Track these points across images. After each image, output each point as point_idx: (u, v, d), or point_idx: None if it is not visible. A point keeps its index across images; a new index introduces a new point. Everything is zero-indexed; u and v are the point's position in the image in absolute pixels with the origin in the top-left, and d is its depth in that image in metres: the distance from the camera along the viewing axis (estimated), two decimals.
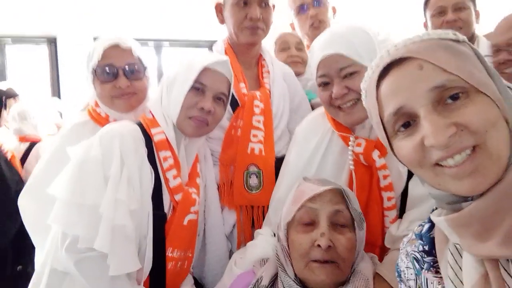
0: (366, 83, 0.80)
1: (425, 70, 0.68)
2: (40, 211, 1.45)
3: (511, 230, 0.63)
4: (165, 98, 1.42)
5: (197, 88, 1.38)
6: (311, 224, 1.16)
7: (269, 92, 1.79)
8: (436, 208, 0.79)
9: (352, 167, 1.36)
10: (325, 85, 1.34)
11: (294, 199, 1.22)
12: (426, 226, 0.84)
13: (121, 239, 1.21)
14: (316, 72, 1.36)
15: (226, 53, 1.76)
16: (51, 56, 4.96)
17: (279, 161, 1.64)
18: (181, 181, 1.38)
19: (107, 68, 1.55)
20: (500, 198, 0.64)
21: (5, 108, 3.18)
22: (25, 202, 1.56)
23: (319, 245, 1.11)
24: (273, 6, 1.78)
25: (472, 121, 0.64)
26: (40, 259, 1.37)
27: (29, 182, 1.59)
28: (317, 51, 1.35)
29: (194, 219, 1.41)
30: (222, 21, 1.83)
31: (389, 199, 1.33)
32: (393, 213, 1.33)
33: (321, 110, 1.50)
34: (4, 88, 3.25)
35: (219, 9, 1.82)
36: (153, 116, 1.41)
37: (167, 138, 1.38)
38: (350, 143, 1.36)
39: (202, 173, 1.57)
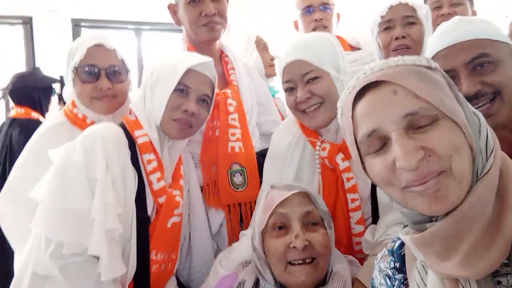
0: (342, 102, 0.83)
1: (399, 95, 0.71)
2: (18, 215, 1.44)
3: (469, 252, 0.67)
4: (148, 99, 1.40)
5: (181, 90, 1.37)
6: (284, 228, 1.21)
7: (237, 88, 1.81)
8: (406, 225, 0.83)
9: (319, 170, 1.43)
10: (290, 90, 1.41)
11: (264, 207, 1.25)
12: (398, 242, 0.88)
13: (111, 243, 1.21)
14: (281, 78, 1.43)
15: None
16: (27, 37, 4.81)
17: (258, 156, 1.69)
18: (164, 184, 1.38)
19: (89, 68, 1.52)
20: (459, 221, 0.68)
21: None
22: (1, 206, 1.53)
23: (295, 247, 1.15)
24: None
25: (438, 146, 0.68)
26: (19, 262, 1.35)
27: (6, 185, 1.55)
28: (282, 58, 1.42)
29: (178, 222, 1.42)
30: (178, 22, 1.80)
31: (352, 200, 1.38)
32: (358, 214, 1.39)
33: (292, 116, 1.55)
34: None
35: (172, 10, 1.80)
36: (136, 117, 1.40)
37: (150, 141, 1.37)
38: (316, 147, 1.42)
39: (185, 176, 1.57)
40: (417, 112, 0.69)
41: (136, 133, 1.36)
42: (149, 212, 1.36)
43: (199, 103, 1.40)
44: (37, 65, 4.76)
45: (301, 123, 1.47)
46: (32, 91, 2.88)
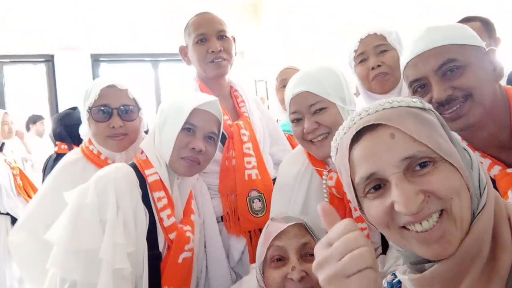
0: (337, 142, 0.84)
1: (396, 139, 0.72)
2: (32, 247, 1.50)
3: None
4: (157, 139, 1.46)
5: (188, 128, 1.42)
6: (282, 260, 1.23)
7: (249, 119, 1.88)
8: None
9: (326, 200, 1.44)
10: (297, 121, 1.44)
11: (263, 240, 1.28)
12: (398, 277, 0.87)
13: (120, 282, 1.25)
14: (288, 109, 1.46)
15: (201, 90, 1.82)
16: (49, 74, 5.00)
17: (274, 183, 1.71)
18: (175, 220, 1.42)
19: (102, 108, 1.60)
20: (459, 262, 0.69)
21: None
22: (17, 239, 1.60)
23: (291, 279, 1.18)
24: (233, 37, 1.88)
25: (439, 189, 0.69)
26: None
27: (22, 218, 1.64)
28: (288, 89, 1.46)
29: (189, 257, 1.44)
30: (188, 62, 1.92)
31: (361, 230, 1.36)
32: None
33: (300, 146, 1.58)
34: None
35: (183, 52, 1.92)
36: (146, 157, 1.45)
37: (160, 179, 1.42)
38: (323, 177, 1.44)
39: (199, 209, 1.62)
40: (415, 155, 0.70)
41: (147, 172, 1.41)
42: (161, 248, 1.40)
43: (206, 141, 1.45)
44: (59, 100, 4.94)
45: (309, 152, 1.50)
46: (72, 129, 3.04)
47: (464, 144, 0.80)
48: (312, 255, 1.21)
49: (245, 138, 1.77)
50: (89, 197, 1.30)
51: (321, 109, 1.38)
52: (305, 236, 1.24)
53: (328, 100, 1.38)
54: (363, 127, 0.76)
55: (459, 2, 3.75)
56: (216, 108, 1.48)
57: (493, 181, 1.14)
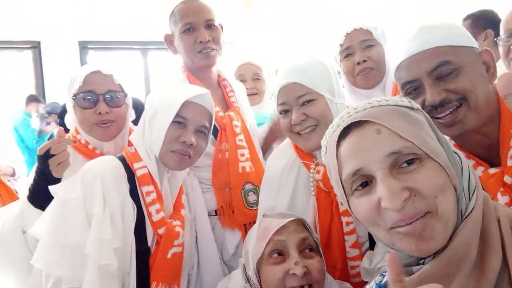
0: (326, 141, 0.84)
1: (382, 135, 0.72)
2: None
3: None
4: (147, 132, 1.42)
5: (179, 122, 1.39)
6: (282, 255, 1.21)
7: (239, 109, 1.85)
8: None
9: (313, 193, 1.43)
10: (285, 112, 1.42)
11: (259, 236, 1.26)
12: (385, 278, 0.86)
13: (108, 277, 1.23)
14: (276, 100, 1.44)
15: (189, 81, 1.78)
16: (35, 61, 4.90)
17: None
18: (164, 215, 1.39)
19: (87, 94, 1.54)
20: (446, 264, 0.68)
21: None
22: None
23: (294, 274, 1.16)
24: (221, 26, 1.83)
25: (424, 187, 0.69)
26: None
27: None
28: (277, 81, 1.43)
29: (179, 252, 1.42)
30: (175, 51, 1.86)
31: (347, 223, 1.38)
32: (353, 238, 1.38)
33: (288, 140, 1.56)
34: None
35: (169, 40, 1.86)
36: (135, 150, 1.42)
37: (149, 173, 1.38)
38: (311, 170, 1.43)
39: (190, 205, 1.59)
40: (401, 151, 0.70)
41: (135, 165, 1.38)
42: (149, 243, 1.37)
43: (197, 134, 1.42)
44: (45, 87, 4.85)
45: (296, 145, 1.48)
46: None
47: (454, 148, 0.80)
48: (311, 250, 1.22)
49: (237, 130, 1.75)
50: (75, 191, 1.27)
51: (309, 101, 1.36)
52: (304, 232, 1.24)
53: (317, 92, 1.36)
54: (351, 125, 0.76)
55: (459, 2, 3.74)
56: (207, 101, 1.45)
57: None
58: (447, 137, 1.25)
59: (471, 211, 0.71)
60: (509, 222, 0.72)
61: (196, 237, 1.64)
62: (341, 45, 1.74)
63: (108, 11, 4.94)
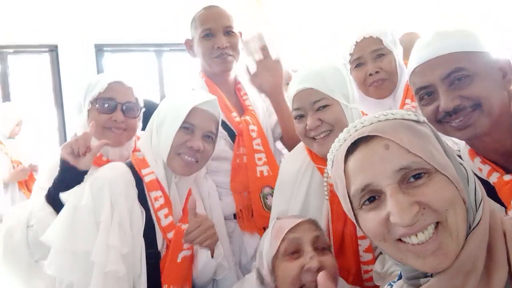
0: (333, 155, 0.84)
1: (391, 150, 0.72)
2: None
3: None
4: (155, 138, 1.45)
5: (186, 127, 1.41)
6: (297, 252, 1.23)
7: (254, 112, 1.86)
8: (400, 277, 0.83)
9: (327, 197, 1.43)
10: (300, 117, 1.43)
11: (274, 235, 1.28)
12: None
13: (114, 283, 1.26)
14: (291, 105, 1.45)
15: (207, 85, 1.81)
16: (53, 64, 4.99)
17: None
18: (172, 220, 1.41)
19: (108, 101, 1.59)
20: (453, 277, 0.68)
21: None
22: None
23: (308, 269, 1.17)
24: (240, 33, 1.86)
25: (434, 201, 0.68)
26: None
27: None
28: (292, 85, 1.44)
29: (189, 255, 1.43)
30: (193, 55, 1.89)
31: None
32: (366, 242, 1.39)
33: (302, 143, 1.56)
34: None
35: (188, 45, 1.90)
36: (143, 155, 1.45)
37: (157, 178, 1.41)
38: (324, 174, 1.43)
39: (206, 210, 1.62)
40: (409, 166, 0.70)
41: (143, 172, 1.41)
42: (159, 247, 1.40)
43: (204, 140, 1.44)
44: (63, 90, 4.94)
45: (310, 150, 1.48)
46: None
47: (460, 160, 0.79)
48: (324, 248, 1.24)
49: (254, 134, 1.77)
50: (85, 199, 1.30)
51: (324, 106, 1.37)
52: (317, 230, 1.27)
53: (332, 98, 1.37)
54: (359, 139, 0.76)
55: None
56: (214, 107, 1.47)
57: (494, 188, 1.13)
58: (461, 143, 1.24)
59: (478, 223, 0.70)
60: None
61: None
62: (351, 54, 1.72)
63: (123, 14, 4.99)
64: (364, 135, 0.75)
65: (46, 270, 1.28)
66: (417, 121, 0.78)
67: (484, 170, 1.16)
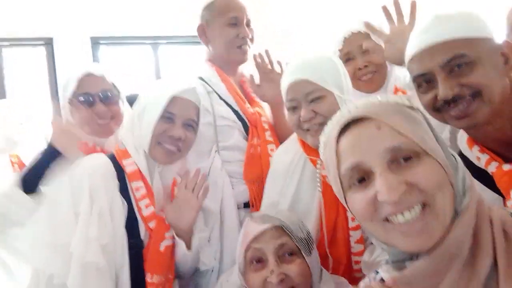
0: (325, 137, 0.84)
1: (382, 130, 0.73)
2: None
3: None
4: (136, 127, 1.45)
5: (167, 117, 1.40)
6: (261, 262, 1.22)
7: (262, 106, 1.89)
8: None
9: (319, 189, 1.42)
10: (293, 109, 1.41)
11: (242, 241, 1.27)
12: (379, 276, 0.86)
13: (94, 274, 1.26)
14: (285, 96, 1.43)
15: (218, 75, 1.80)
16: (48, 58, 4.98)
17: None
18: (154, 210, 1.41)
19: (83, 97, 1.57)
20: (438, 261, 0.69)
21: None
22: None
23: (270, 282, 1.17)
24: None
25: (422, 182, 0.69)
26: None
27: None
28: (286, 76, 1.42)
29: (171, 244, 1.44)
30: (206, 42, 1.86)
31: (353, 219, 1.39)
32: (358, 234, 1.39)
33: (295, 135, 1.55)
34: None
35: (202, 30, 1.86)
36: (125, 147, 1.44)
37: (138, 169, 1.41)
38: (317, 165, 1.43)
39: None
40: (400, 147, 0.71)
41: (125, 162, 1.41)
42: (142, 237, 1.40)
43: (185, 128, 1.44)
44: (59, 83, 4.93)
45: (303, 141, 1.48)
46: None
47: (451, 150, 0.79)
48: (291, 254, 1.21)
49: (266, 126, 1.79)
50: (64, 191, 1.31)
51: (318, 98, 1.36)
52: (282, 237, 1.21)
53: (326, 89, 1.36)
54: (351, 121, 0.77)
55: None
56: (195, 95, 1.47)
57: (492, 178, 1.11)
58: (460, 131, 1.23)
59: (465, 209, 0.71)
60: (501, 224, 0.72)
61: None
62: (340, 50, 1.72)
63: (120, 6, 4.97)
64: (357, 116, 0.76)
65: (28, 262, 1.30)
66: (410, 107, 0.79)
67: (483, 159, 1.14)
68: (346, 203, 0.80)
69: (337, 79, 1.39)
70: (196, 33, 1.88)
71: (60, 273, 1.24)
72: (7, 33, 4.77)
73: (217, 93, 1.77)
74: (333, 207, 1.40)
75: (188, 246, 1.46)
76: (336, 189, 0.81)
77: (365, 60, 1.68)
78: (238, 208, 1.74)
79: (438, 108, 1.10)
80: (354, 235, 1.39)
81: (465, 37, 1.05)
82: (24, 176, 1.45)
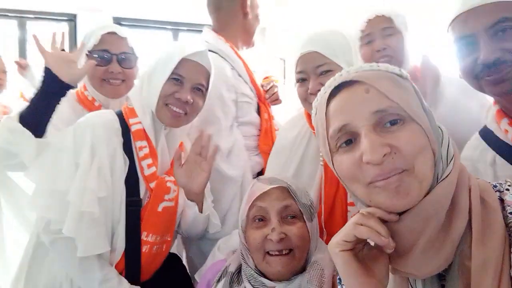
0: (317, 102, 0.86)
1: (371, 93, 0.75)
2: None
3: (421, 253, 0.71)
4: (145, 88, 1.45)
5: (176, 79, 1.41)
6: (263, 220, 1.23)
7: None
8: None
9: (321, 163, 1.43)
10: (302, 81, 1.42)
11: (247, 199, 1.28)
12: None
13: (89, 223, 1.28)
14: (295, 68, 1.44)
15: (239, 57, 1.85)
16: (71, 34, 5.05)
17: None
18: (155, 170, 1.42)
19: (102, 53, 1.62)
20: (414, 220, 0.71)
21: None
22: None
23: (270, 240, 1.18)
24: None
25: (404, 146, 0.71)
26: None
27: None
28: (297, 48, 1.43)
29: (171, 206, 1.44)
30: (246, 15, 1.91)
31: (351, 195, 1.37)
32: (355, 209, 1.38)
33: (302, 109, 1.56)
34: None
35: (246, 4, 1.90)
36: (133, 106, 1.46)
37: (143, 128, 1.42)
38: None
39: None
40: (386, 110, 0.73)
41: (131, 121, 1.42)
42: (142, 196, 1.42)
43: (193, 92, 1.44)
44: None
45: (309, 115, 1.47)
46: None
47: (437, 122, 0.80)
48: (293, 217, 1.22)
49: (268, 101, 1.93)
50: (67, 141, 1.33)
51: (327, 71, 1.36)
52: (287, 199, 1.23)
53: (335, 63, 1.36)
54: (342, 85, 0.79)
55: None
56: (206, 59, 1.46)
57: None
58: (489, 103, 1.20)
59: (447, 176, 0.73)
60: (479, 191, 0.74)
61: None
62: (362, 31, 1.73)
63: None
64: (348, 80, 0.78)
65: (30, 207, 1.32)
66: (400, 76, 0.80)
67: (511, 132, 1.12)
68: (333, 164, 0.81)
69: (348, 55, 1.39)
70: None
71: (58, 219, 1.26)
72: (32, 6, 4.86)
73: (236, 70, 1.81)
74: (334, 182, 1.41)
75: (200, 209, 1.48)
76: (324, 151, 0.82)
77: (383, 43, 1.68)
78: (253, 177, 1.78)
79: (476, 75, 1.09)
80: (352, 210, 1.40)
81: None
82: (25, 111, 1.39)
